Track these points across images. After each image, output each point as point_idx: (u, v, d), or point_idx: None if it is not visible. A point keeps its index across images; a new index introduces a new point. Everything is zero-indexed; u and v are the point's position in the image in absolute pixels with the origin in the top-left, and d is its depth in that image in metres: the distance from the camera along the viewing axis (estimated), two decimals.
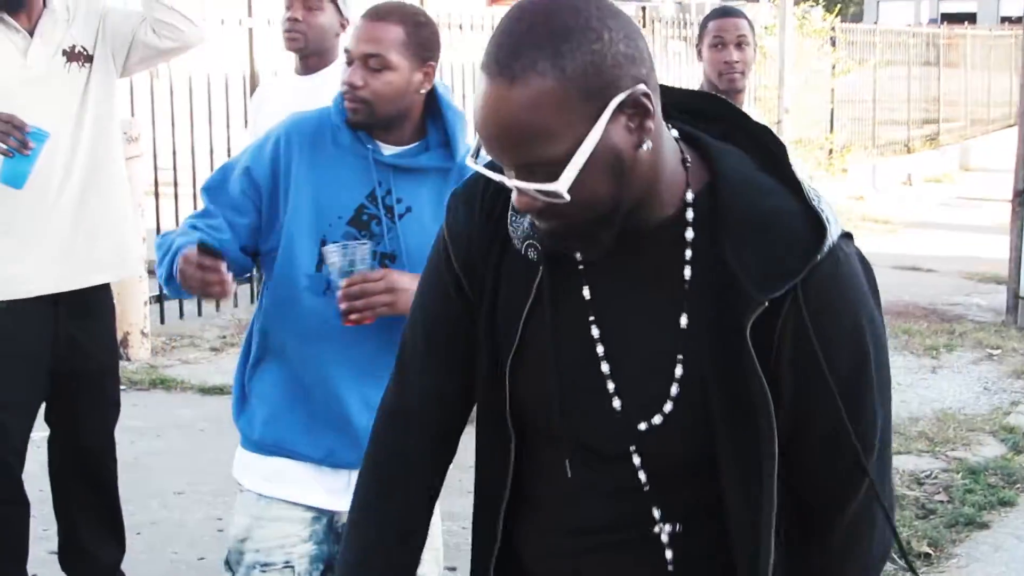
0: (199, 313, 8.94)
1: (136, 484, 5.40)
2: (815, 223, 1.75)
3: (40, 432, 4.45)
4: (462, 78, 11.00)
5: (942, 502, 5.77)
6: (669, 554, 1.88)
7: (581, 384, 1.86)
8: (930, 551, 5.19)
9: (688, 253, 1.80)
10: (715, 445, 1.81)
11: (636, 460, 1.85)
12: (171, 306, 8.75)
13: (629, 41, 1.68)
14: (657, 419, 1.82)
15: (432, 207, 3.08)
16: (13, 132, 3.85)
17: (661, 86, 1.79)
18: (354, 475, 2.47)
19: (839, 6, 22.18)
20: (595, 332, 1.85)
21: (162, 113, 8.78)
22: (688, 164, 1.80)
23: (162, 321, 8.60)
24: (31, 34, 4.13)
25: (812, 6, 17.58)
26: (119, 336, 7.87)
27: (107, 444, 4.51)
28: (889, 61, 19.11)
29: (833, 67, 17.61)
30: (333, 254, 2.95)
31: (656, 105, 1.70)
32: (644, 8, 13.85)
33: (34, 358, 4.24)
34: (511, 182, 1.71)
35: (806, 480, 1.86)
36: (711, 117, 1.89)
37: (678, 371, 1.81)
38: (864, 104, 18.26)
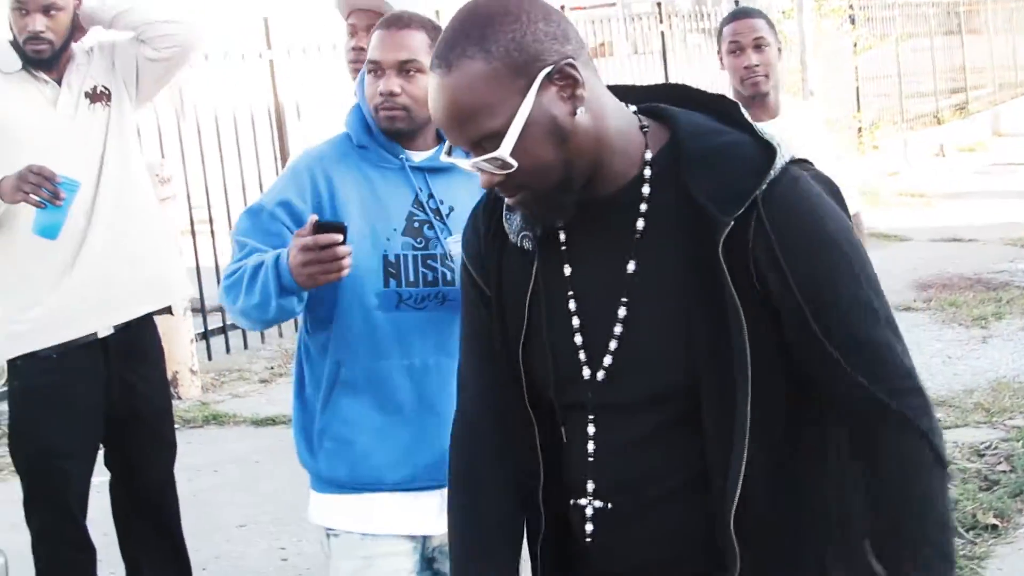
0: (245, 346, 8.99)
1: (198, 520, 5.42)
2: (766, 148, 1.94)
3: (100, 476, 4.48)
4: None
5: (1004, 472, 5.71)
6: (588, 527, 2.06)
7: (564, 353, 2.04)
8: (996, 523, 5.14)
9: (643, 207, 1.98)
10: (678, 377, 1.96)
11: (590, 427, 2.04)
12: (217, 342, 8.81)
13: (550, 22, 1.90)
14: (607, 361, 2.01)
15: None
16: (44, 184, 3.87)
17: (625, 86, 2.08)
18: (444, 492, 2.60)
19: None
20: (572, 305, 2.05)
21: (191, 153, 8.83)
22: (646, 129, 2.01)
23: (209, 357, 8.65)
24: (59, 83, 4.19)
25: None
26: (169, 375, 7.95)
27: (167, 483, 4.54)
28: (910, 34, 18.99)
29: (855, 45, 17.51)
30: (459, 245, 2.99)
31: (587, 76, 1.91)
32: (660, 4, 13.81)
33: (89, 404, 4.27)
34: (469, 161, 1.93)
35: (823, 391, 1.98)
36: (669, 96, 2.09)
37: (621, 313, 1.99)
38: (889, 79, 18.15)
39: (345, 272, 2.82)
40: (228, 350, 8.85)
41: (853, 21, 17.57)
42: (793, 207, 1.92)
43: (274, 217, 3.04)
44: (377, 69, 3.05)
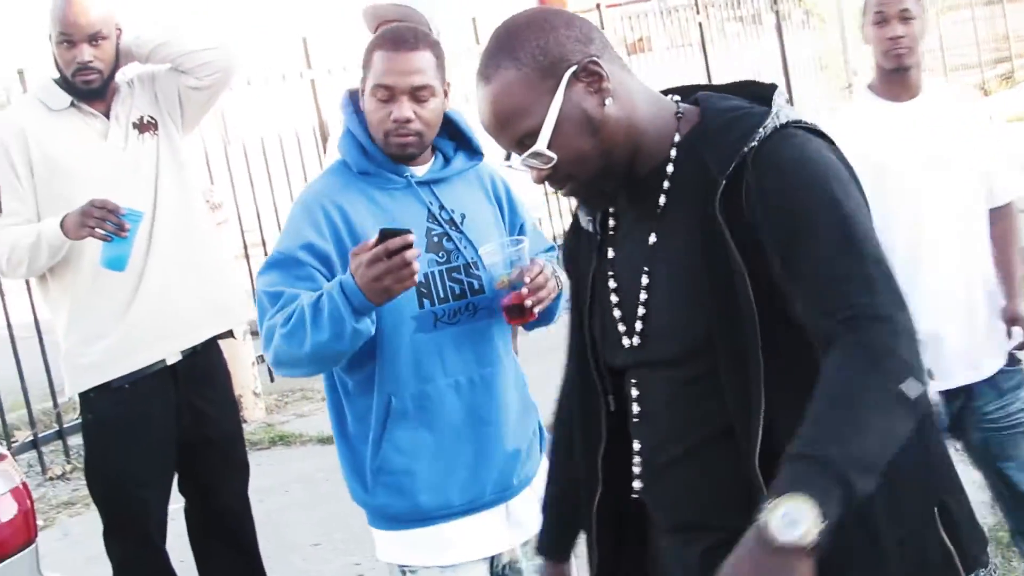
0: None
1: (272, 540, 5.47)
2: (765, 113, 2.09)
3: (174, 503, 4.53)
4: None
5: None
6: (637, 484, 2.24)
7: (609, 326, 2.24)
8: None
9: (666, 184, 2.15)
10: (693, 337, 2.09)
11: (633, 390, 2.22)
12: None
13: (572, 27, 2.13)
14: (639, 326, 2.18)
15: (478, 205, 3.16)
16: (109, 216, 3.92)
17: (706, 85, 2.28)
18: (510, 504, 2.93)
19: None
20: (612, 283, 2.24)
21: (239, 177, 8.89)
22: (680, 115, 2.18)
23: (272, 379, 8.69)
24: (107, 116, 4.25)
25: None
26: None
27: (243, 506, 4.60)
28: (950, 7, 18.85)
29: None
30: (494, 255, 3.00)
31: (612, 70, 2.11)
32: None
33: (163, 432, 4.32)
34: (516, 161, 2.14)
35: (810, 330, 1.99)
36: (740, 91, 2.25)
37: (644, 281, 2.16)
38: (932, 53, 17.98)
39: (416, 278, 2.77)
40: None
41: None
42: (777, 160, 2.03)
43: (300, 263, 2.95)
44: (390, 94, 2.98)
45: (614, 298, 2.23)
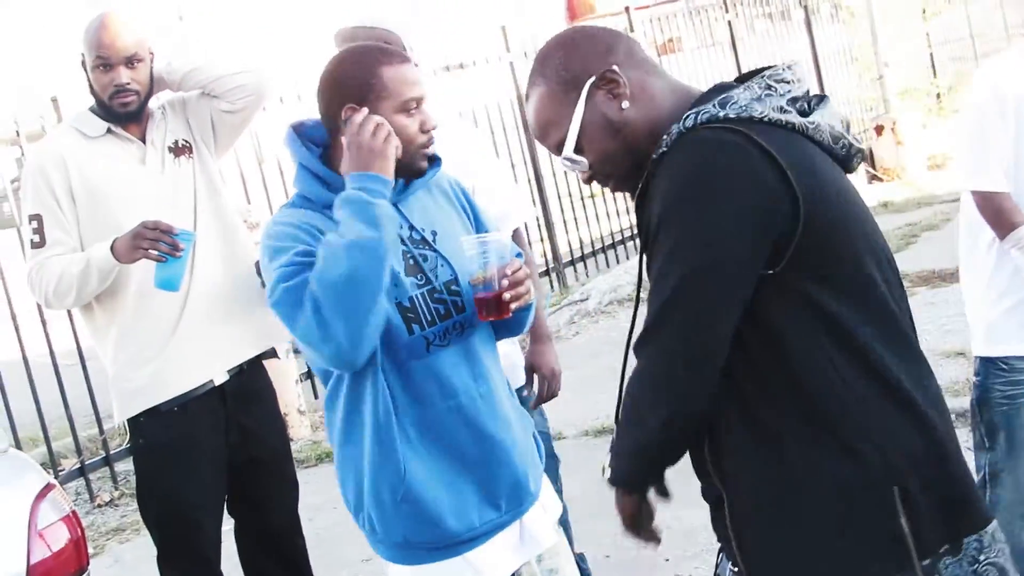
0: None
1: (324, 558, 5.47)
2: (690, 113, 2.27)
3: (224, 525, 4.51)
4: None
5: None
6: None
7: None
8: None
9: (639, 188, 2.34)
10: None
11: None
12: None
13: (594, 43, 2.38)
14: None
15: (446, 217, 3.11)
16: (162, 237, 3.93)
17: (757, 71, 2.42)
18: (524, 520, 3.01)
19: None
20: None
21: (276, 196, 8.91)
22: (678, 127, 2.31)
23: (315, 396, 8.71)
24: (143, 141, 4.26)
25: None
26: None
27: (294, 524, 4.59)
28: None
29: (923, 11, 17.30)
30: (472, 248, 2.96)
31: (633, 75, 2.34)
32: None
33: (214, 453, 4.32)
34: (560, 161, 2.39)
35: None
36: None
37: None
38: (962, 42, 17.91)
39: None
40: None
41: None
42: (664, 167, 2.23)
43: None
44: (415, 104, 2.92)
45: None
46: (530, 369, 4.15)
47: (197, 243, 4.20)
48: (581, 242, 11.11)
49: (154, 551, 4.40)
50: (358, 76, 2.91)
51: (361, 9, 4.71)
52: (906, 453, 2.23)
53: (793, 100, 2.30)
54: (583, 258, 10.98)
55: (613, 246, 11.54)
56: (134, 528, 6.80)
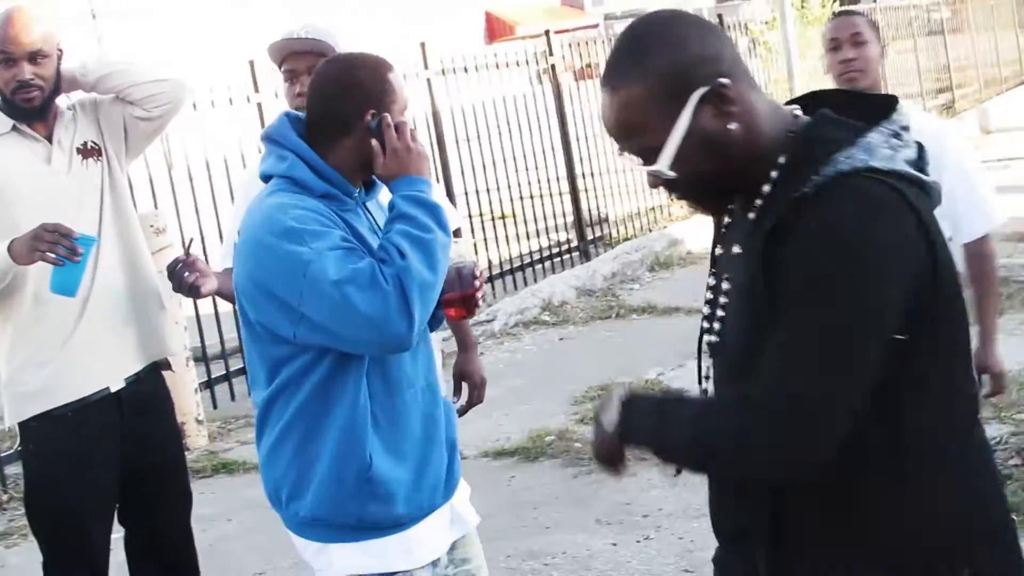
0: (249, 392, 8.94)
1: (215, 570, 5.40)
2: (833, 151, 2.08)
3: (114, 533, 4.43)
4: (463, 121, 11.00)
5: (1017, 466, 5.71)
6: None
7: (705, 320, 2.35)
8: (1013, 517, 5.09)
9: (758, 202, 2.17)
10: (743, 349, 2.18)
11: (709, 386, 2.36)
12: (222, 390, 8.79)
13: (705, 44, 2.11)
14: (717, 327, 2.30)
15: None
16: (62, 241, 3.86)
17: (836, 91, 2.33)
18: (453, 500, 3.18)
19: None
20: (711, 280, 2.34)
21: (185, 201, 8.81)
22: (792, 134, 2.17)
23: (215, 406, 8.62)
24: (49, 140, 4.18)
25: None
26: None
27: (185, 535, 4.52)
28: (894, 36, 19.06)
29: None
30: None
31: (740, 90, 2.11)
32: None
33: (106, 461, 4.24)
34: (637, 166, 2.18)
35: None
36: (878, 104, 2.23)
37: (725, 286, 2.28)
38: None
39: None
40: (233, 397, 8.82)
41: None
42: (818, 218, 2.03)
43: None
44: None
45: (708, 295, 2.35)
46: (459, 377, 4.31)
47: (100, 248, 4.13)
48: (489, 263, 11.10)
49: (41, 557, 4.32)
50: (375, 81, 3.06)
51: (286, 20, 4.66)
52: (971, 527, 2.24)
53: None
54: (491, 279, 10.96)
55: (522, 268, 11.55)
56: (21, 533, 6.67)
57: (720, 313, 2.29)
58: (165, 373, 4.45)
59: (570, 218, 12.35)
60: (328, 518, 3.08)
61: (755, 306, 2.13)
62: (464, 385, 4.31)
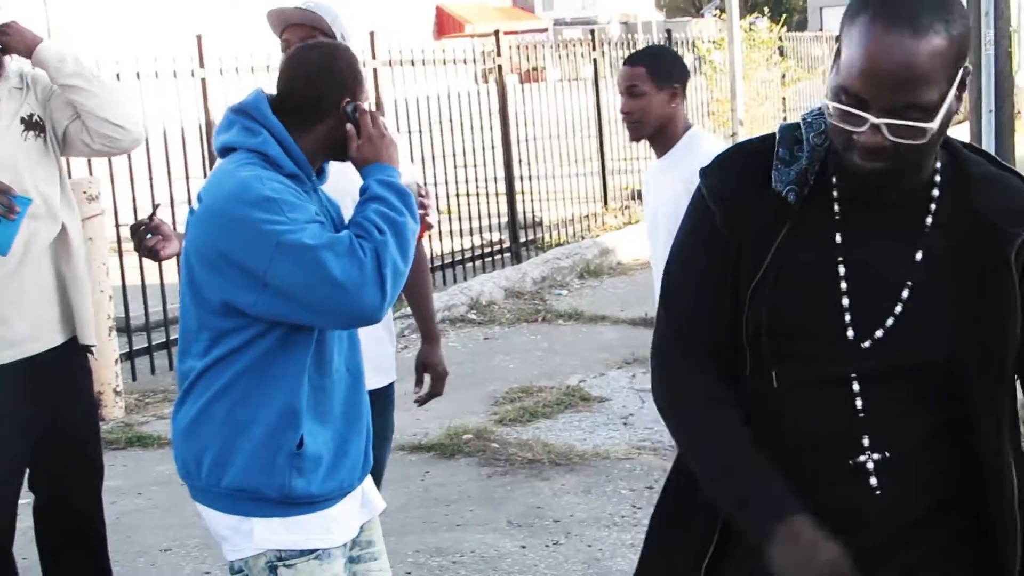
0: (170, 367, 8.88)
1: (122, 544, 5.37)
2: None
3: (23, 499, 4.41)
4: (406, 114, 10.99)
5: None
6: (874, 481, 2.23)
7: (822, 311, 2.23)
8: None
9: (932, 206, 2.23)
10: (942, 353, 2.20)
11: (855, 385, 2.23)
12: (142, 363, 8.72)
13: (968, 25, 2.10)
14: (879, 334, 2.21)
15: (339, 196, 3.39)
16: (0, 198, 3.81)
17: None
18: (364, 487, 3.22)
19: (783, 15, 22.31)
20: (841, 270, 2.23)
21: (120, 169, 8.73)
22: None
23: (134, 378, 8.56)
24: None
25: (757, 17, 17.68)
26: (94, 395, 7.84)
27: (94, 507, 4.49)
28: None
29: (783, 76, 17.70)
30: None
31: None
32: (592, 31, 13.87)
33: (17, 426, 4.19)
34: (878, 120, 2.05)
35: None
36: None
37: (904, 294, 2.21)
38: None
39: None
40: (153, 371, 8.77)
41: (782, 53, 17.76)
42: None
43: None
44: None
45: (844, 286, 2.23)
46: (421, 368, 4.41)
47: (35, 228, 4.09)
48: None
49: None
50: (352, 72, 3.19)
51: None
52: None
53: None
54: None
55: (452, 265, 11.55)
56: None
57: (890, 322, 2.22)
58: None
59: (504, 219, 12.37)
60: (253, 489, 3.07)
61: (988, 309, 2.20)
62: (426, 376, 4.42)
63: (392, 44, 11.02)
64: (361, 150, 3.11)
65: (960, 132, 9.80)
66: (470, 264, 11.77)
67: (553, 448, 6.86)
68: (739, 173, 2.31)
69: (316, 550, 3.12)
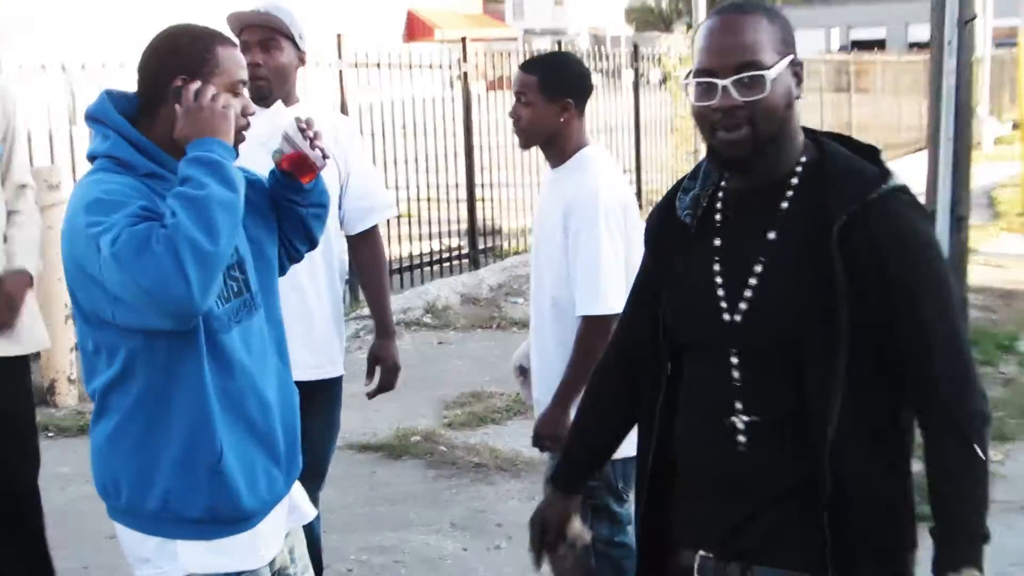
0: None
1: (69, 530, 5.39)
2: (885, 174, 2.51)
3: None
4: (370, 116, 11.01)
5: None
6: (742, 439, 2.55)
7: (704, 303, 2.59)
8: None
9: (789, 193, 2.54)
10: (793, 334, 2.48)
11: (734, 359, 2.56)
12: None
13: (793, 36, 2.56)
14: (744, 306, 2.54)
15: None
16: None
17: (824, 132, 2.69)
18: (292, 494, 3.09)
19: None
20: (716, 267, 2.60)
21: (82, 158, 8.76)
22: (807, 143, 2.60)
23: None
24: None
25: None
26: (46, 383, 7.86)
27: (30, 494, 4.51)
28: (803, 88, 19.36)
29: None
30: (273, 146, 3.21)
31: (802, 79, 2.55)
32: (559, 42, 13.95)
33: None
34: (724, 80, 2.47)
35: (906, 372, 2.50)
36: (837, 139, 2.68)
37: (758, 269, 2.54)
38: None
39: None
40: None
41: None
42: (898, 221, 2.46)
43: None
44: (241, 88, 3.01)
45: (719, 279, 2.59)
46: (373, 361, 4.48)
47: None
48: None
49: None
50: (194, 50, 2.93)
51: None
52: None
53: None
54: None
55: (411, 268, 11.60)
56: None
57: (748, 294, 2.54)
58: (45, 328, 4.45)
59: (464, 225, 12.42)
60: (176, 510, 2.94)
61: (821, 288, 2.44)
62: (377, 369, 4.48)
63: (359, 46, 11.05)
64: (181, 129, 2.86)
65: (919, 159, 9.94)
66: (428, 268, 11.82)
67: (500, 453, 6.94)
68: (662, 206, 2.78)
69: (243, 572, 3.01)
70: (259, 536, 3.04)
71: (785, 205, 2.54)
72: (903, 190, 2.51)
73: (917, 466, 2.51)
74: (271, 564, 3.13)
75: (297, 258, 3.39)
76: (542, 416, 4.10)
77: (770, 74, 2.46)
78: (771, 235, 2.53)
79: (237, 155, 2.95)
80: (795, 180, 2.55)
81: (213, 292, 2.75)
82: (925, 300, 2.44)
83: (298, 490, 3.26)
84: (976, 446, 2.44)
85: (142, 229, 2.67)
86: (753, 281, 2.54)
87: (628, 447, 4.31)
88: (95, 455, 3.01)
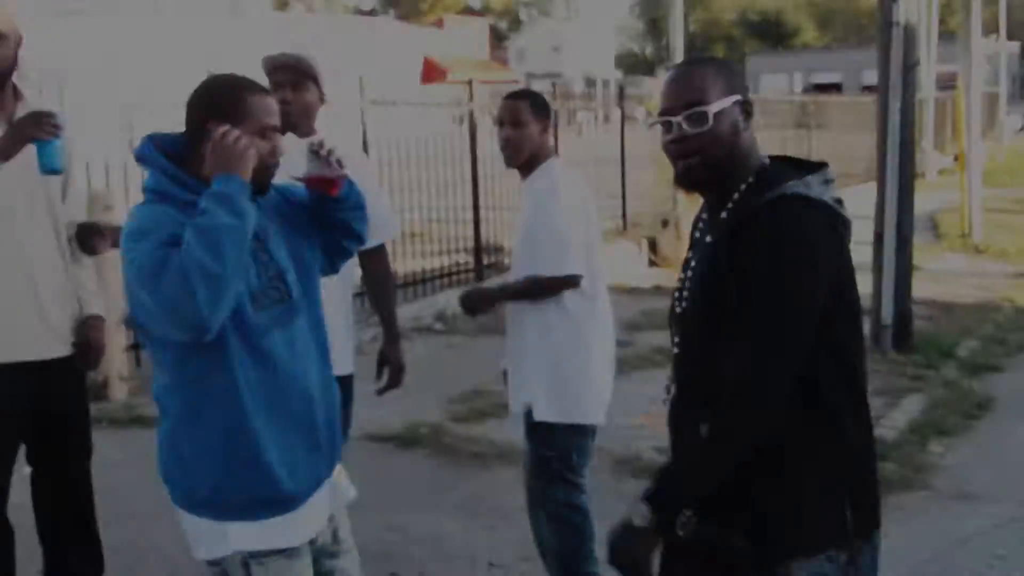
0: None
1: (116, 510, 5.37)
2: (796, 183, 2.57)
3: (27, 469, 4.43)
4: (387, 149, 10.99)
5: None
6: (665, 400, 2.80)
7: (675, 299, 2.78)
8: None
9: (730, 205, 2.63)
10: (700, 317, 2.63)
11: (677, 346, 2.77)
12: (145, 354, 8.70)
13: (742, 80, 2.70)
14: (683, 300, 2.72)
15: (271, 224, 3.16)
16: (48, 120, 3.88)
17: (789, 158, 2.77)
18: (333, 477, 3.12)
19: None
20: (686, 272, 2.75)
21: (136, 181, 8.73)
22: (758, 167, 2.66)
23: (138, 364, 8.54)
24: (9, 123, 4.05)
25: None
26: (100, 380, 7.85)
27: (83, 481, 4.49)
28: (767, 124, 19.37)
29: None
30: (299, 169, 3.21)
31: (750, 120, 2.66)
32: (554, 84, 13.94)
33: (12, 408, 4.18)
34: (677, 117, 2.61)
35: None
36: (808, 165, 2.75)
37: (689, 272, 2.73)
38: None
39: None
40: None
41: None
42: (766, 216, 2.52)
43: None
44: (271, 132, 3.04)
45: (681, 273, 2.77)
46: (382, 361, 4.51)
47: (36, 237, 4.12)
48: (396, 273, 11.09)
49: None
50: (226, 97, 2.99)
51: (288, 39, 4.75)
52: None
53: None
54: (398, 287, 10.96)
55: (423, 281, 11.57)
56: None
57: (685, 293, 2.71)
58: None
59: (470, 243, 12.40)
60: (223, 499, 3.01)
61: (717, 285, 2.54)
62: (385, 369, 4.51)
63: (379, 88, 11.04)
64: (209, 165, 2.92)
65: (870, 188, 9.93)
66: (438, 281, 11.79)
67: (498, 444, 6.91)
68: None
69: (285, 549, 3.05)
70: (301, 516, 3.08)
71: (724, 215, 2.64)
72: (796, 196, 2.54)
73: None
74: (312, 541, 3.18)
75: (348, 255, 3.45)
76: (482, 287, 4.32)
77: (712, 108, 2.58)
78: (708, 238, 2.67)
79: (255, 188, 2.98)
80: (736, 195, 2.64)
81: (222, 308, 2.79)
82: (754, 294, 2.47)
83: (340, 472, 3.30)
84: (715, 440, 2.53)
85: (161, 255, 2.76)
86: (688, 281, 2.71)
87: (578, 414, 4.42)
88: (159, 451, 3.11)
